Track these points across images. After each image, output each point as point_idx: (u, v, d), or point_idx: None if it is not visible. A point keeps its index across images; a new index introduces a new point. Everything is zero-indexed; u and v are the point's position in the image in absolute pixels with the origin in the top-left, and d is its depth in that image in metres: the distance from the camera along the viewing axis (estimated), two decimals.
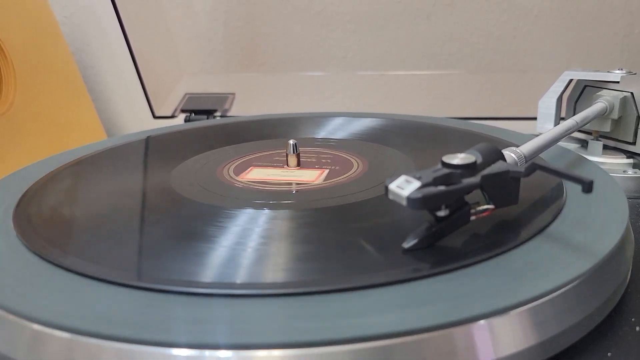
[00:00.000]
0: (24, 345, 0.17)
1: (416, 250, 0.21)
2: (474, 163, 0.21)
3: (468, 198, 0.22)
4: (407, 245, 0.21)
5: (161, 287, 0.18)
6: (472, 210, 0.21)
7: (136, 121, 0.71)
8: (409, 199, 0.19)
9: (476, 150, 0.22)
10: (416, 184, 0.19)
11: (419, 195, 0.19)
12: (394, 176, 0.20)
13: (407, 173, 0.20)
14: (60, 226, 0.26)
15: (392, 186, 0.20)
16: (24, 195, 0.29)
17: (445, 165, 0.21)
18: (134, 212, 0.28)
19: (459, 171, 0.20)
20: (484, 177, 0.21)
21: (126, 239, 0.24)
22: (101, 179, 0.33)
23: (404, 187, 0.19)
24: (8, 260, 0.22)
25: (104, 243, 0.23)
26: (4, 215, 0.26)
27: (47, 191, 0.30)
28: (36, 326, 0.17)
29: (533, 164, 0.21)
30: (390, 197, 0.20)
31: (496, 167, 0.22)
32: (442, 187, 0.20)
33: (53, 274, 0.20)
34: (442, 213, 0.21)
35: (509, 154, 0.25)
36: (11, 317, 0.18)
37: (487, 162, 0.22)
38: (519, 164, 0.25)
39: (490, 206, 0.22)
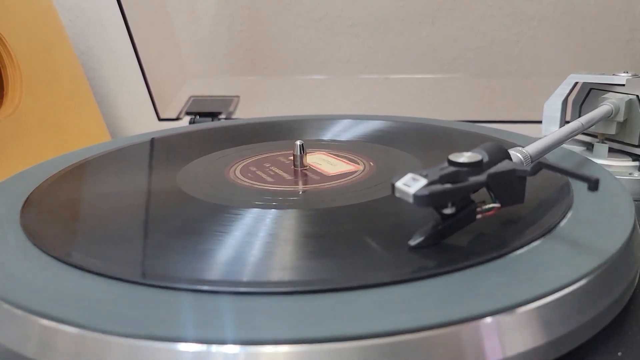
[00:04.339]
0: (33, 341, 0.17)
1: (422, 247, 0.21)
2: (481, 161, 0.21)
3: (474, 197, 0.22)
4: (413, 242, 0.21)
5: (169, 285, 0.18)
6: (478, 209, 0.21)
7: (141, 123, 0.71)
8: (415, 196, 0.19)
9: (483, 149, 0.22)
10: (423, 181, 0.19)
11: (426, 192, 0.19)
12: (401, 174, 0.20)
13: (413, 171, 0.20)
14: (68, 224, 0.26)
15: (399, 184, 0.20)
16: (32, 194, 0.29)
17: (452, 163, 0.21)
18: (142, 211, 0.28)
19: (465, 169, 0.21)
20: (490, 176, 0.21)
21: (134, 236, 0.24)
22: (109, 179, 0.33)
23: (411, 184, 0.19)
24: (17, 257, 0.22)
25: (112, 241, 0.23)
26: (12, 213, 0.26)
27: (55, 190, 0.30)
28: (45, 322, 0.17)
29: (539, 163, 0.21)
30: (397, 194, 0.20)
31: (502, 165, 0.22)
32: (448, 185, 0.20)
33: (61, 271, 0.20)
34: (448, 211, 0.21)
35: (515, 153, 0.25)
36: (20, 312, 0.18)
37: (494, 161, 0.22)
38: (524, 164, 0.25)
39: (497, 205, 0.22)
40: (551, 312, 0.18)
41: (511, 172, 0.21)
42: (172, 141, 0.42)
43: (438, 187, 0.19)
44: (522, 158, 0.25)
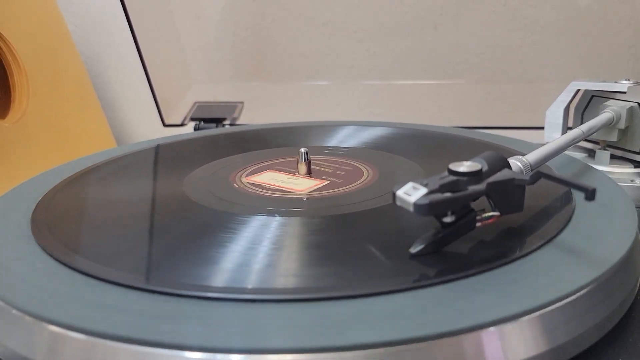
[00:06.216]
0: (42, 347, 0.18)
1: (422, 255, 0.21)
2: (480, 171, 0.21)
3: (474, 205, 0.22)
4: (414, 250, 0.21)
5: (175, 291, 0.19)
6: (478, 217, 0.22)
7: (145, 129, 0.71)
8: (415, 205, 0.19)
9: (482, 159, 0.22)
10: (423, 190, 0.20)
11: (426, 201, 0.19)
12: (401, 183, 0.20)
13: (414, 180, 0.21)
14: (77, 231, 0.26)
15: (400, 193, 0.20)
16: (41, 201, 0.29)
17: (452, 172, 0.21)
18: (149, 217, 0.28)
19: (465, 178, 0.21)
20: (490, 185, 0.21)
21: (141, 243, 0.24)
22: (115, 185, 0.34)
23: (411, 193, 0.20)
24: (27, 264, 0.22)
25: (119, 247, 0.24)
26: (22, 220, 0.27)
27: (63, 197, 0.30)
28: (53, 328, 0.18)
29: (537, 172, 0.21)
30: (398, 203, 0.20)
31: (501, 174, 0.22)
32: (448, 194, 0.20)
33: (70, 278, 0.21)
34: (448, 219, 0.21)
35: (515, 162, 0.25)
36: (29, 319, 0.18)
37: (493, 170, 0.22)
38: (524, 172, 0.25)
39: (496, 213, 0.22)
40: (553, 320, 0.18)
41: (510, 181, 0.22)
42: (178, 147, 0.43)
43: (438, 196, 0.20)
44: (521, 167, 0.25)
